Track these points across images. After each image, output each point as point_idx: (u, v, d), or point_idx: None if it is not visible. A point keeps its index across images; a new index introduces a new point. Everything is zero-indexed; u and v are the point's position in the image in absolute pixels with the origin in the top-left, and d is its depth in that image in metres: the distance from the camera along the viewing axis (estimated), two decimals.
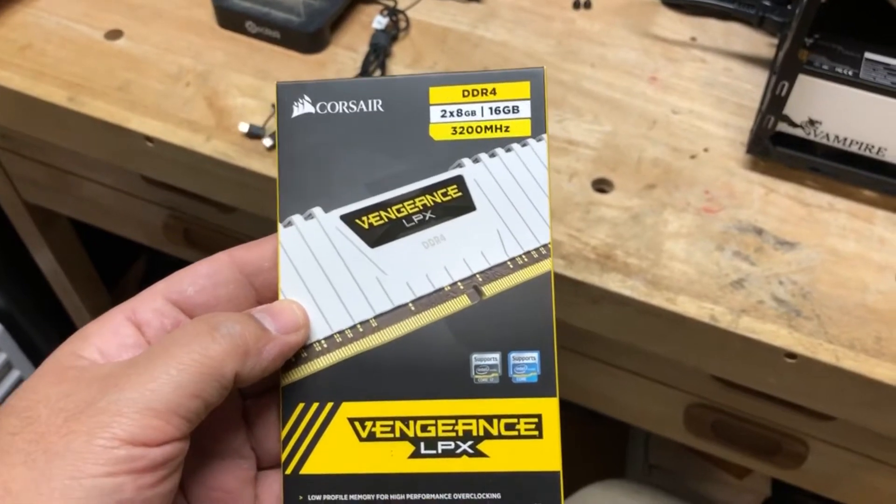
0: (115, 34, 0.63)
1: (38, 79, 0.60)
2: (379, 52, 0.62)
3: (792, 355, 0.48)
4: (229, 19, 0.63)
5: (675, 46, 0.65)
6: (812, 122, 0.53)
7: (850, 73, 0.50)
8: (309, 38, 0.62)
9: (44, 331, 0.97)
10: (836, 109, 0.52)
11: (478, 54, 0.63)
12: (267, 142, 0.56)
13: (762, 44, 0.64)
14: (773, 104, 0.52)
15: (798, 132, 0.54)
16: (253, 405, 0.32)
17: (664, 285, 0.50)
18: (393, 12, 0.65)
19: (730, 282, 0.50)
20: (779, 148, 0.54)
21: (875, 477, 0.59)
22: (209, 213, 0.67)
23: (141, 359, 0.27)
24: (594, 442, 0.98)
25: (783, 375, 0.50)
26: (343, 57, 0.62)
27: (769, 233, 0.53)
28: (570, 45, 0.65)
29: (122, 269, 1.04)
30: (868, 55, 0.51)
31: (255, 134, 0.56)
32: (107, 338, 0.28)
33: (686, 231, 0.53)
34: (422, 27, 0.65)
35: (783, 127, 0.54)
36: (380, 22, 0.64)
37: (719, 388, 0.57)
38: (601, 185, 0.55)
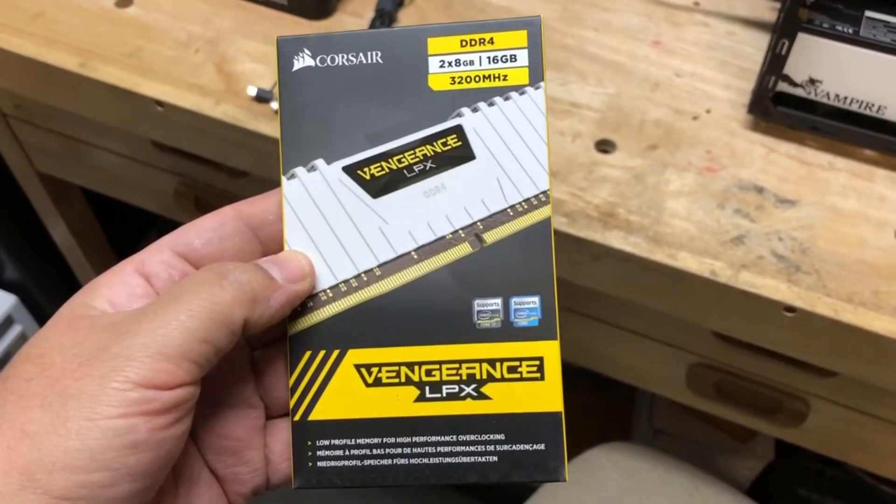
0: (125, 2, 0.64)
1: (51, 46, 0.61)
2: (385, 17, 0.63)
3: (791, 309, 0.49)
4: None
5: (679, 11, 0.65)
6: (812, 82, 0.54)
7: (851, 31, 0.51)
8: (316, 4, 0.62)
9: (58, 302, 0.97)
10: (836, 68, 0.52)
11: (483, 19, 0.64)
12: (275, 105, 0.57)
13: (765, 8, 0.65)
14: (774, 63, 0.53)
15: (798, 92, 0.54)
16: (261, 355, 0.32)
17: (665, 242, 0.51)
18: None
19: (730, 238, 0.51)
20: (779, 108, 0.55)
21: (874, 434, 0.59)
22: (219, 178, 0.68)
23: (151, 306, 0.27)
24: (600, 407, 0.99)
25: (783, 330, 0.51)
26: (349, 23, 0.63)
27: (770, 191, 0.53)
28: (574, 10, 0.65)
29: (134, 241, 1.06)
30: (868, 13, 0.52)
31: (263, 98, 0.57)
32: (116, 289, 0.29)
33: (688, 190, 0.53)
34: None
35: (784, 87, 0.54)
36: None
37: (721, 346, 0.58)
38: (604, 146, 0.56)
